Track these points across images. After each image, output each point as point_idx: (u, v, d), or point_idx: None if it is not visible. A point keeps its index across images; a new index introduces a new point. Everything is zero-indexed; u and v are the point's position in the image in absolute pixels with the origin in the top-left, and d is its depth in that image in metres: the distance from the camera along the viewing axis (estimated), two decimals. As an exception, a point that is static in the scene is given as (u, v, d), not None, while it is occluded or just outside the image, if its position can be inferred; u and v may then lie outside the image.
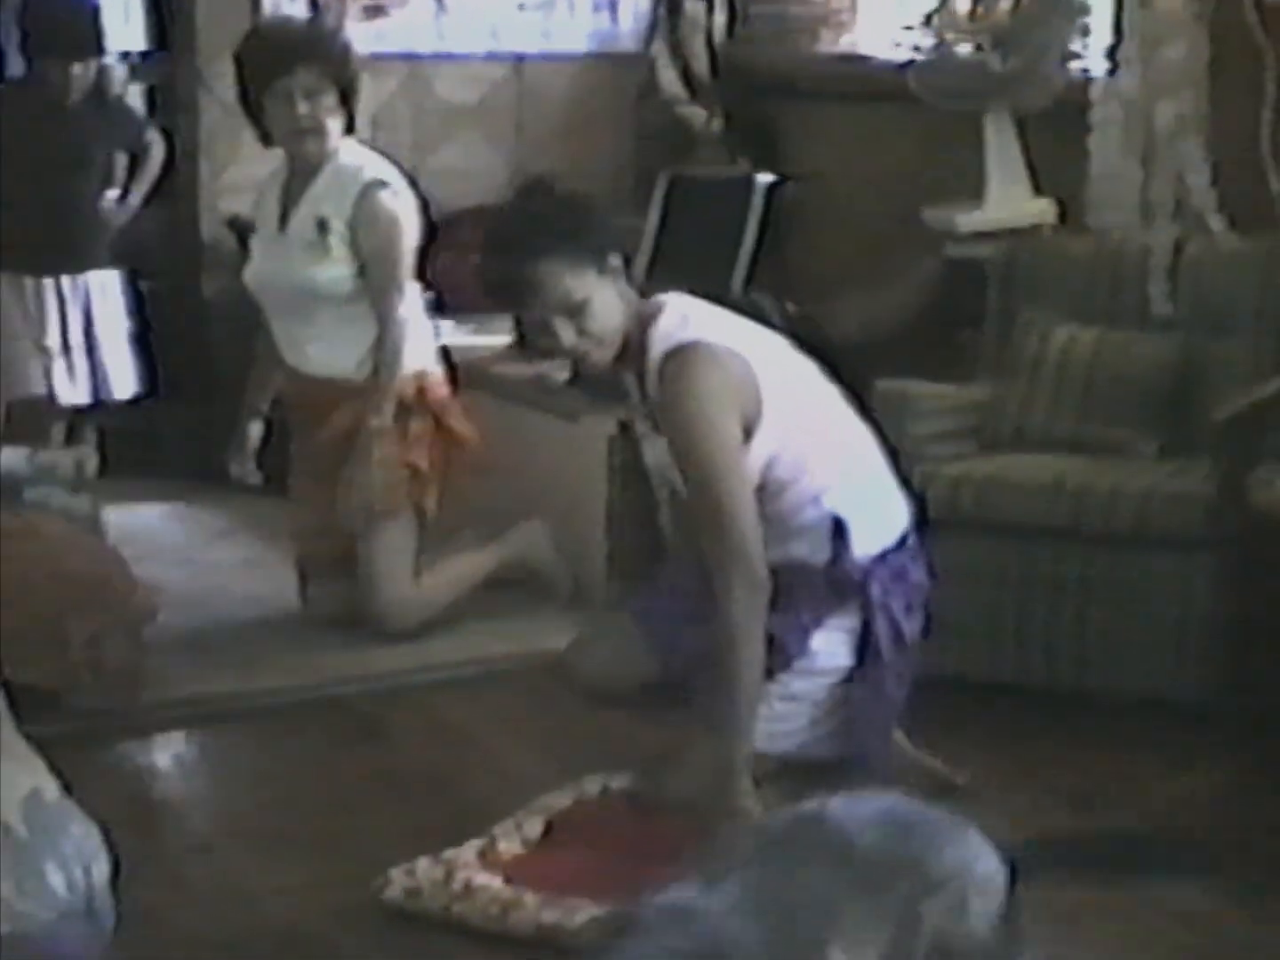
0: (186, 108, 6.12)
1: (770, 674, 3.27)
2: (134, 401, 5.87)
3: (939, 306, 5.11)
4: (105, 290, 5.75)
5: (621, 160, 6.41)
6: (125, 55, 6.61)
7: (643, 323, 3.28)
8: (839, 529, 3.32)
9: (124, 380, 5.81)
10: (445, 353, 4.78)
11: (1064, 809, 3.59)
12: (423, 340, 4.65)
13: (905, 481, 3.52)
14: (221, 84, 6.01)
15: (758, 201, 5.75)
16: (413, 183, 4.69)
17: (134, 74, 6.55)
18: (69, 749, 3.15)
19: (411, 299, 4.62)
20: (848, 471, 3.38)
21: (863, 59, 5.89)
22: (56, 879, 2.64)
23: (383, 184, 4.50)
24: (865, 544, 3.36)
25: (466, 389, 4.99)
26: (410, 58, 6.24)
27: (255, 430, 4.77)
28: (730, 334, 3.31)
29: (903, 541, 3.43)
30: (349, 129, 4.57)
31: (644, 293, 3.39)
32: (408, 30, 6.18)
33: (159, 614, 4.29)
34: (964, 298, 4.94)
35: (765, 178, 5.82)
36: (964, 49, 5.09)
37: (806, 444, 3.31)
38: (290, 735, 4.08)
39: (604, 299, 3.24)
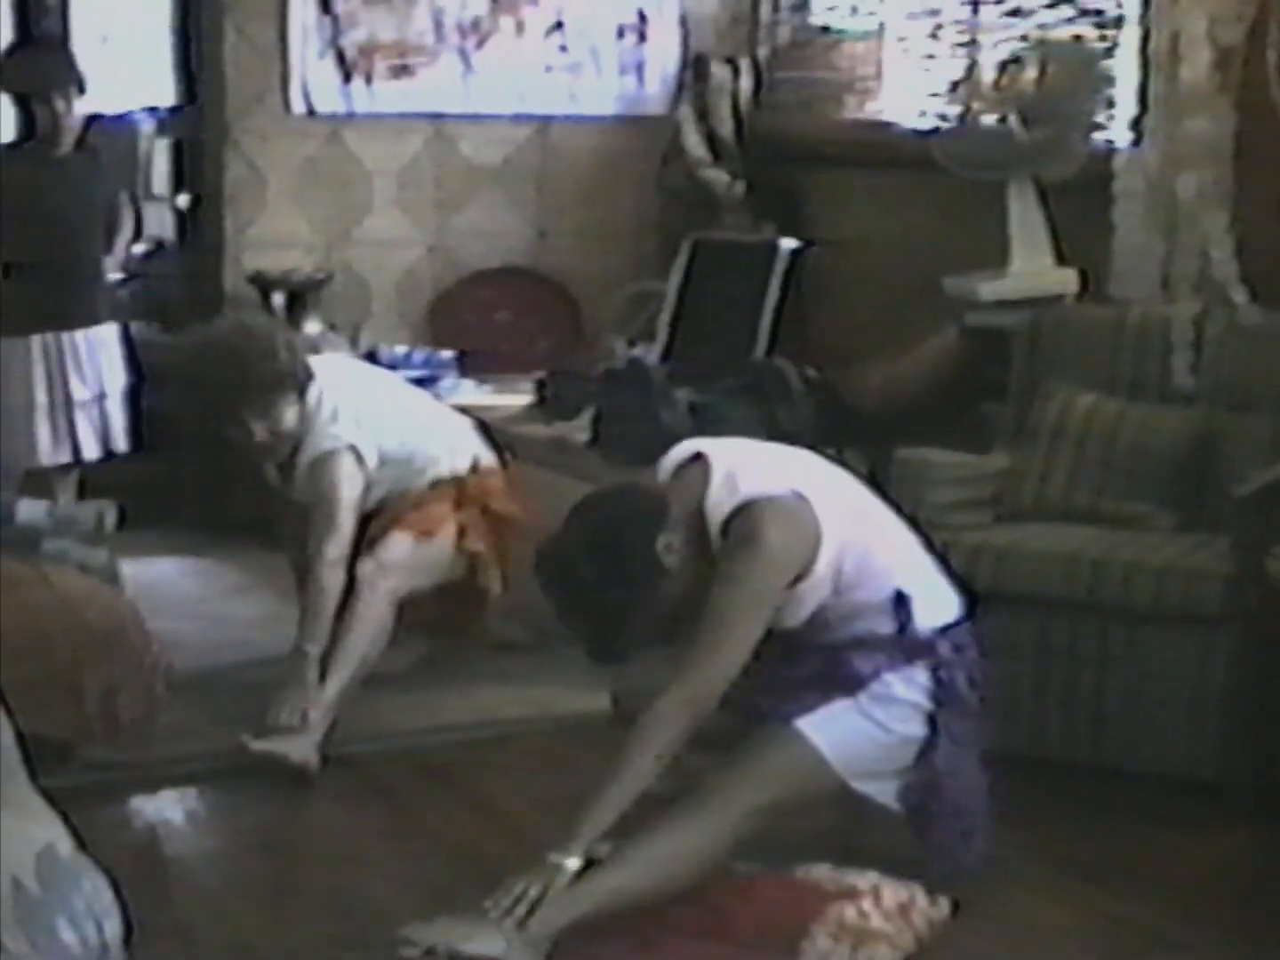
0: (213, 162, 6.16)
1: (849, 691, 3.36)
2: (132, 456, 5.89)
3: (959, 375, 5.11)
4: (110, 344, 5.78)
5: (645, 223, 6.44)
6: (153, 110, 6.68)
7: (694, 492, 3.34)
8: (902, 602, 3.40)
9: (126, 435, 5.84)
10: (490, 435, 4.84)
11: (1080, 882, 3.57)
12: (456, 455, 4.69)
13: (954, 574, 3.57)
14: (248, 139, 6.09)
15: (780, 267, 5.78)
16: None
17: (161, 129, 6.61)
18: (81, 801, 3.14)
19: (430, 431, 4.69)
20: (905, 556, 3.49)
21: (887, 126, 5.91)
22: (69, 935, 2.62)
23: (329, 453, 4.48)
24: (927, 617, 3.43)
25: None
26: (436, 117, 6.27)
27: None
28: (776, 473, 3.38)
29: (958, 622, 3.49)
30: (303, 394, 4.48)
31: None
32: (434, 90, 6.22)
33: (173, 668, 4.29)
34: (985, 367, 4.94)
35: (788, 243, 5.84)
36: (989, 118, 5.11)
37: (866, 539, 3.40)
38: (302, 792, 4.07)
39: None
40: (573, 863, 3.16)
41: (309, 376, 4.50)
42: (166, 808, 4.03)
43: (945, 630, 3.45)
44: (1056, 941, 3.35)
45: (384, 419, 4.64)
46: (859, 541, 3.37)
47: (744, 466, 3.38)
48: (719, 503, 3.32)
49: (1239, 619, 3.89)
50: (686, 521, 3.32)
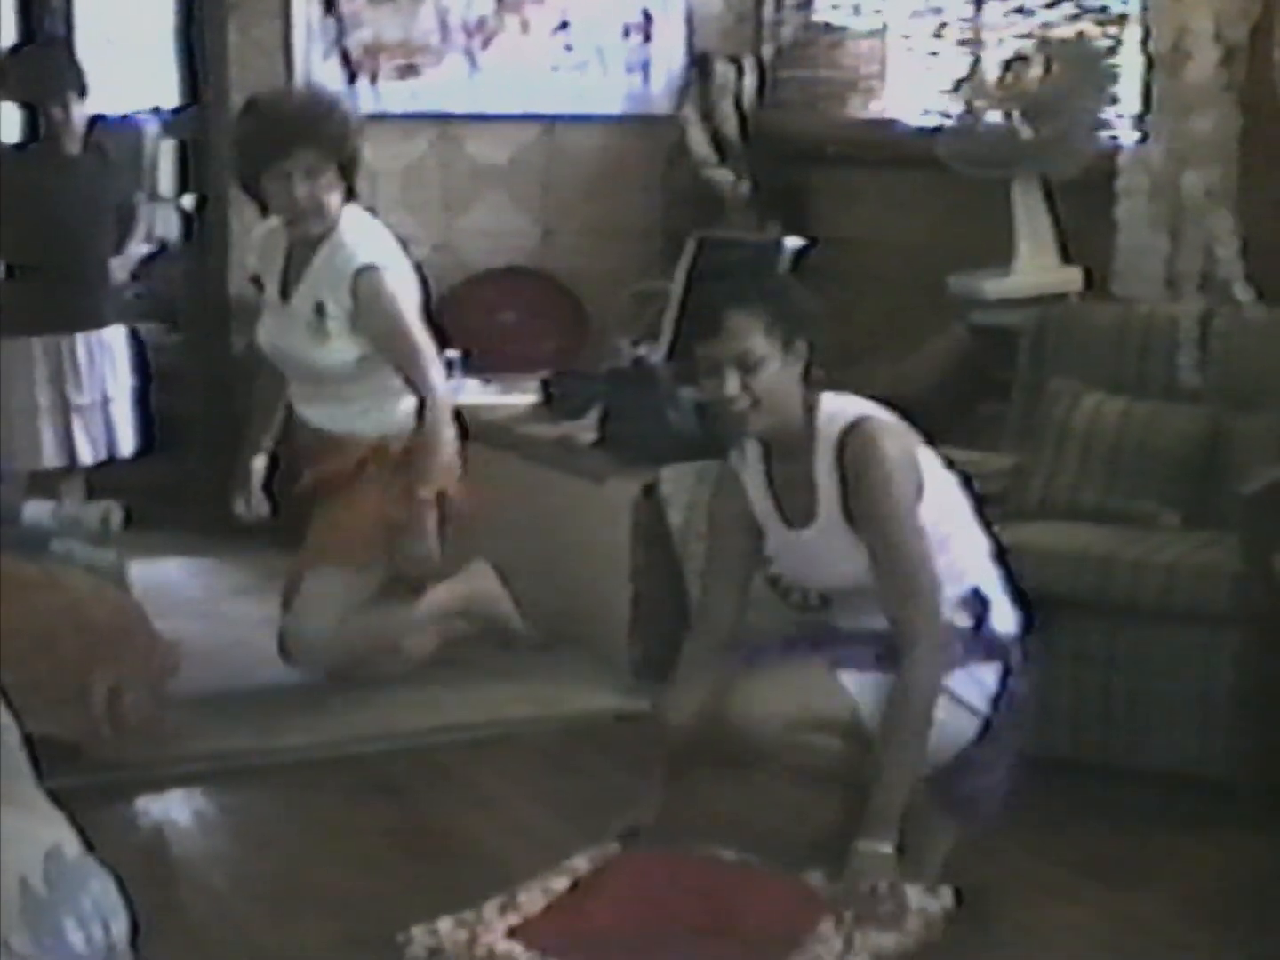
0: (218, 163, 6.15)
1: None
2: (140, 457, 5.89)
3: (965, 373, 5.11)
4: (115, 346, 5.78)
5: (650, 222, 6.44)
6: (157, 111, 6.68)
7: (807, 411, 3.39)
8: (980, 598, 3.40)
9: (135, 436, 5.84)
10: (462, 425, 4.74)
11: (1087, 881, 3.56)
12: (411, 400, 4.61)
13: (1018, 589, 3.53)
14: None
15: (785, 265, 5.77)
16: (405, 246, 4.68)
17: (166, 129, 6.61)
18: (88, 802, 3.14)
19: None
20: (981, 556, 3.47)
21: (891, 125, 5.91)
22: (76, 936, 2.62)
23: (372, 268, 4.45)
24: (1001, 622, 3.44)
25: (492, 448, 5.00)
26: (442, 117, 6.27)
27: (259, 465, 4.79)
28: (893, 419, 3.43)
29: (1024, 633, 3.49)
30: (349, 196, 4.53)
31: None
32: (440, 90, 6.22)
33: (180, 668, 4.29)
34: (990, 365, 4.94)
35: (793, 242, 5.83)
36: (993, 117, 5.10)
37: (950, 524, 3.40)
38: (309, 793, 4.07)
39: (778, 370, 3.33)
40: (890, 847, 3.24)
41: (355, 159, 4.47)
42: (173, 808, 4.04)
43: (1014, 638, 3.45)
44: (1063, 940, 3.35)
45: (407, 301, 4.54)
46: (945, 520, 3.37)
47: (863, 402, 3.44)
48: (836, 414, 3.36)
49: (1247, 617, 3.89)
50: (792, 422, 3.36)
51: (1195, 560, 3.99)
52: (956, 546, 3.39)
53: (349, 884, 3.57)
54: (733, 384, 3.32)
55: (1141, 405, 4.42)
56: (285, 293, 4.57)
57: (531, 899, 3.30)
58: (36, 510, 4.66)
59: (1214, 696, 3.94)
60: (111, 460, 5.81)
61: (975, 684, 3.39)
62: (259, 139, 4.49)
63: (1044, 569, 4.08)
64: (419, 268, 4.73)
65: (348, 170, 4.49)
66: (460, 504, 4.60)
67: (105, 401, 5.75)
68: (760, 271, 3.46)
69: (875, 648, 3.35)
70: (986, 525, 3.54)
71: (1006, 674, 3.41)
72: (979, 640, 3.40)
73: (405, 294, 4.53)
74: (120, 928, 2.72)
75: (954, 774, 3.41)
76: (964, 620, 3.39)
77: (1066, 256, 5.09)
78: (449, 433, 4.53)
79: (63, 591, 4.21)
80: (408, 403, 4.56)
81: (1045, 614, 4.05)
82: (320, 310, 4.47)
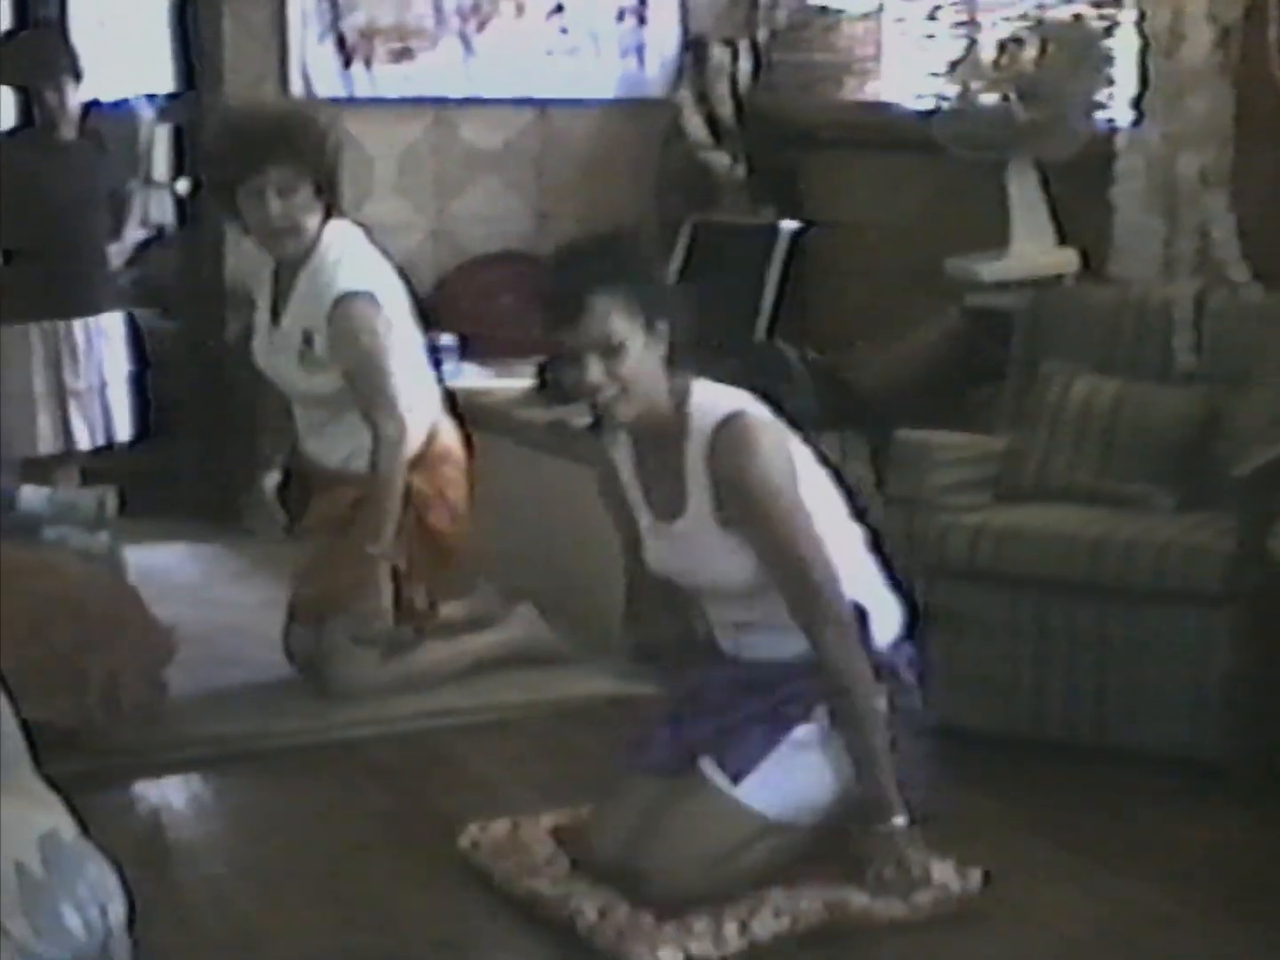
0: (213, 148, 6.14)
1: (796, 722, 3.27)
2: (137, 442, 5.89)
3: (960, 356, 5.11)
4: (112, 332, 5.77)
5: (645, 206, 6.43)
6: (152, 96, 6.67)
7: (675, 398, 3.28)
8: (860, 617, 3.28)
9: (132, 421, 5.84)
10: (454, 407, 4.70)
11: (1081, 862, 3.57)
12: (419, 415, 4.52)
13: (896, 582, 3.46)
14: (248, 125, 6.06)
15: (781, 249, 5.78)
16: (387, 255, 4.59)
17: (161, 115, 6.60)
18: (85, 787, 3.14)
19: (413, 374, 4.54)
20: (856, 560, 3.37)
21: (887, 107, 5.91)
22: (73, 920, 2.63)
23: (352, 295, 4.34)
24: (882, 632, 3.34)
25: (487, 433, 4.99)
26: (437, 102, 6.26)
27: (270, 483, 4.73)
28: (765, 412, 3.31)
29: (904, 635, 3.41)
30: (330, 214, 4.40)
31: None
32: (435, 74, 6.22)
33: (176, 654, 4.29)
34: (985, 348, 4.94)
35: (789, 225, 5.84)
36: (988, 99, 5.09)
37: (825, 524, 3.28)
38: (305, 778, 4.08)
39: (641, 354, 3.22)
40: (902, 820, 3.24)
41: (333, 177, 4.34)
42: (169, 793, 4.04)
43: (898, 647, 3.36)
44: (1057, 921, 3.35)
45: (393, 314, 4.45)
46: (819, 521, 3.25)
47: (736, 394, 3.31)
48: (709, 406, 3.23)
49: (1240, 598, 3.89)
50: (662, 410, 3.25)
51: (1189, 541, 4.00)
52: (832, 547, 3.26)
53: (344, 868, 3.58)
54: (595, 371, 3.19)
55: (1136, 387, 4.42)
56: (275, 314, 4.50)
57: (578, 815, 3.46)
58: (32, 496, 4.66)
59: (1207, 678, 3.94)
60: (109, 446, 5.81)
61: None
62: (231, 153, 4.37)
63: (1038, 551, 4.09)
64: (402, 272, 4.62)
65: (326, 188, 4.35)
66: (457, 541, 4.52)
67: (102, 387, 5.75)
68: (617, 252, 3.30)
69: (758, 723, 3.27)
70: (860, 517, 3.44)
71: (896, 693, 3.31)
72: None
73: (385, 324, 4.39)
74: (117, 912, 2.72)
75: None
76: None
77: (1062, 238, 5.09)
78: (398, 481, 4.37)
79: (58, 577, 4.21)
80: (411, 422, 4.48)
81: (1039, 595, 4.08)
82: (309, 339, 4.40)
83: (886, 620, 3.36)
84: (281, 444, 4.75)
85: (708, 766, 3.28)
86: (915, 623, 3.43)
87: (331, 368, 4.40)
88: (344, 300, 4.34)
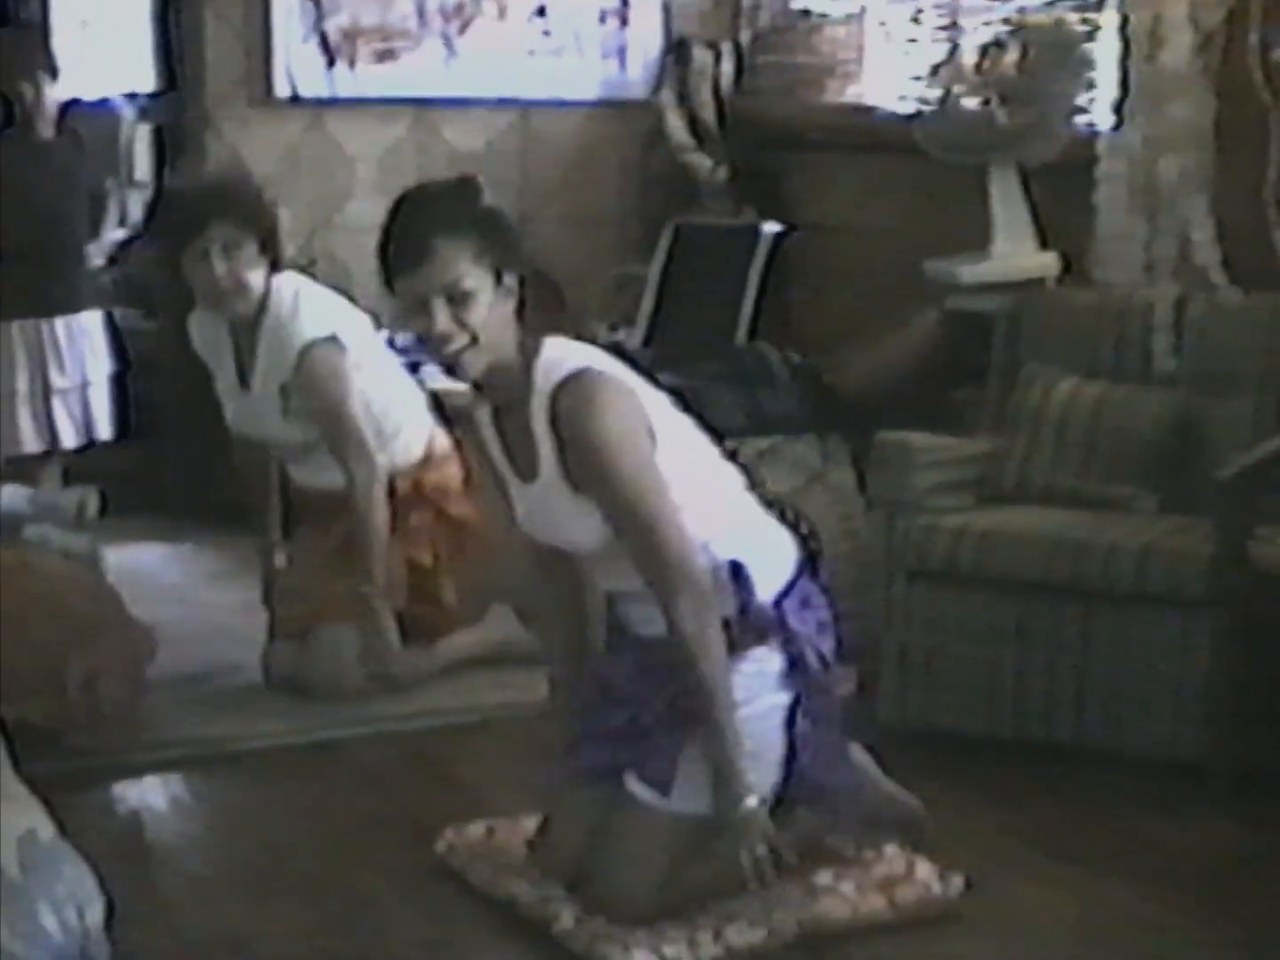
0: (194, 148, 6.14)
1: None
2: (118, 441, 5.88)
3: (941, 359, 5.12)
4: (93, 331, 5.76)
5: (627, 207, 6.44)
6: (133, 96, 6.66)
7: (524, 356, 3.17)
8: (738, 575, 3.18)
9: (112, 420, 5.84)
10: (441, 410, 4.69)
11: (1062, 865, 3.58)
12: (415, 427, 4.59)
13: (782, 515, 3.33)
14: (229, 124, 6.07)
15: (762, 251, 5.78)
16: (349, 295, 4.62)
17: (142, 114, 6.59)
18: (64, 788, 3.14)
19: (397, 391, 4.59)
20: (731, 514, 3.24)
21: (869, 110, 5.91)
22: (50, 921, 2.63)
23: (316, 344, 4.38)
24: (768, 584, 3.22)
25: (469, 434, 4.97)
26: (419, 102, 6.26)
27: (280, 563, 4.78)
28: (615, 367, 3.21)
29: (799, 572, 3.28)
30: (275, 269, 4.44)
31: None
32: (417, 75, 6.21)
33: (157, 654, 4.29)
34: (966, 350, 4.95)
35: (770, 227, 5.84)
36: (970, 102, 5.11)
37: (687, 489, 3.14)
38: (285, 779, 4.07)
39: (490, 304, 3.09)
40: (754, 800, 3.14)
41: (274, 232, 4.40)
42: (149, 793, 4.03)
43: (788, 593, 3.22)
44: (1037, 923, 3.35)
45: (361, 347, 4.49)
46: (680, 486, 3.12)
47: (587, 350, 3.22)
48: (554, 363, 3.12)
49: (1221, 601, 3.90)
50: (509, 367, 3.13)
51: (1170, 545, 4.00)
52: (700, 510, 3.14)
53: (326, 871, 3.57)
54: (442, 318, 3.06)
55: (1117, 390, 4.43)
56: (244, 380, 4.52)
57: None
58: (13, 496, 4.65)
59: (1188, 680, 3.95)
60: (90, 445, 5.80)
61: (762, 678, 3.20)
62: (173, 220, 4.50)
63: (1019, 553, 4.09)
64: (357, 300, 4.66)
65: (268, 243, 4.40)
66: (484, 533, 4.53)
67: (84, 385, 5.74)
68: (465, 197, 3.18)
69: (670, 729, 3.19)
70: (732, 457, 3.32)
71: (792, 645, 3.20)
72: (748, 624, 3.18)
73: (354, 365, 4.44)
74: (95, 913, 2.72)
75: (790, 765, 3.25)
76: (727, 605, 3.16)
77: (1043, 242, 5.10)
78: (379, 518, 4.42)
79: (38, 577, 4.21)
80: (405, 438, 4.55)
81: (1020, 597, 4.09)
82: (285, 392, 4.44)
83: (774, 567, 3.24)
84: (270, 506, 4.78)
85: (633, 784, 3.23)
86: (813, 559, 3.30)
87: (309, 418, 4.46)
88: (308, 350, 4.39)
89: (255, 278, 4.37)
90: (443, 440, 4.65)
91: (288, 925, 3.33)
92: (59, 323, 5.67)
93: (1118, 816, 3.82)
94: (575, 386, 3.09)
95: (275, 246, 4.43)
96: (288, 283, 4.47)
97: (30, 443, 5.67)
